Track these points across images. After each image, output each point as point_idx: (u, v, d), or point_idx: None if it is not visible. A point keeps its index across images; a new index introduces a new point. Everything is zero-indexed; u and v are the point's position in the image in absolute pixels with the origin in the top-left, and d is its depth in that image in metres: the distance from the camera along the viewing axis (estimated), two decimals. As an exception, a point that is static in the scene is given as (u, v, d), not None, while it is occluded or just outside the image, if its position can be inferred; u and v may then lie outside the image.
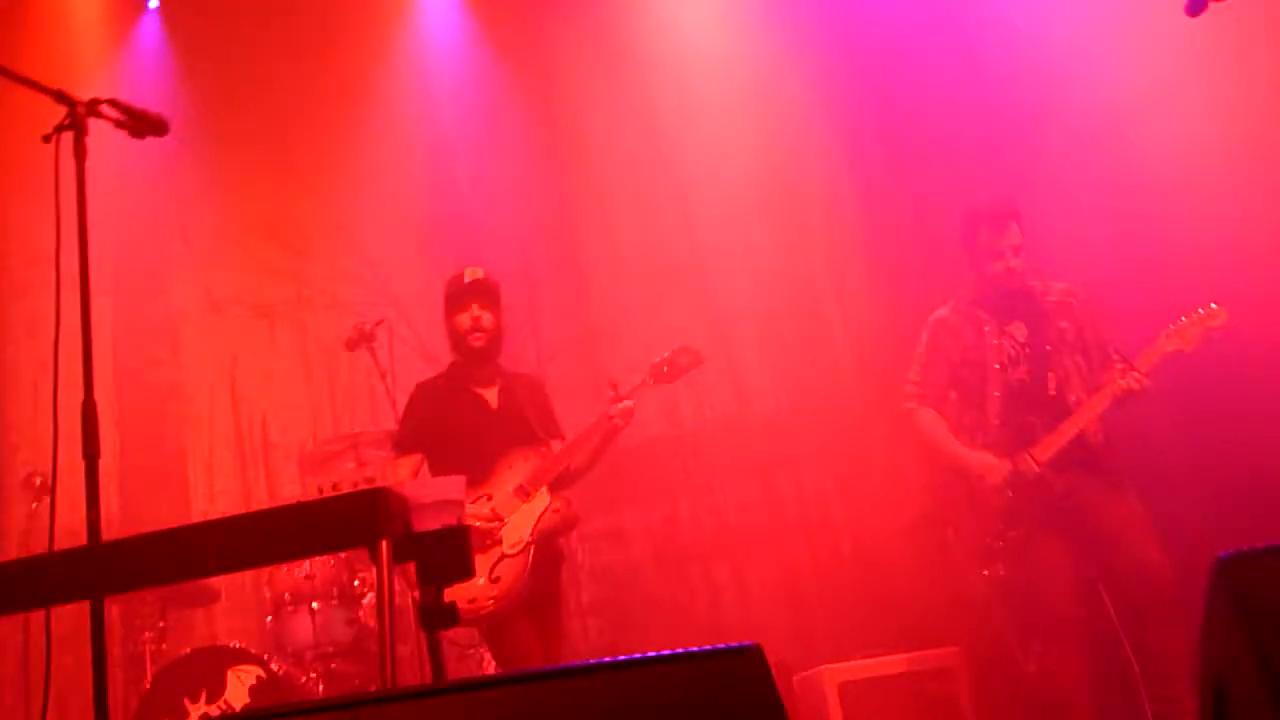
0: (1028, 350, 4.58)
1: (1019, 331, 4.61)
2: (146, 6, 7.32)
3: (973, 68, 5.93)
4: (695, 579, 6.64)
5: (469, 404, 4.71)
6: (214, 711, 5.01)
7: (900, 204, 6.33)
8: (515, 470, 4.53)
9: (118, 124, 3.02)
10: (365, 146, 7.23)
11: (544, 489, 4.50)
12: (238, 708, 5.05)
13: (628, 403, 4.55)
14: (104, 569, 2.41)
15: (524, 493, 4.48)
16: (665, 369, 4.69)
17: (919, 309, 6.02)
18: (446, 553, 2.54)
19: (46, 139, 2.84)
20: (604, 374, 6.86)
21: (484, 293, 4.70)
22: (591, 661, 1.87)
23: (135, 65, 7.22)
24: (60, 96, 2.85)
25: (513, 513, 4.46)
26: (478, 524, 4.31)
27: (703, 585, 6.63)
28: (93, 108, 2.91)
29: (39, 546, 5.63)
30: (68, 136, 2.88)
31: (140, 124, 3.05)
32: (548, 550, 4.52)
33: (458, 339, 4.71)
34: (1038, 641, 4.40)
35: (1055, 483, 4.36)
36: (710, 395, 6.78)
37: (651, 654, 1.87)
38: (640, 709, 1.79)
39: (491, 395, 4.74)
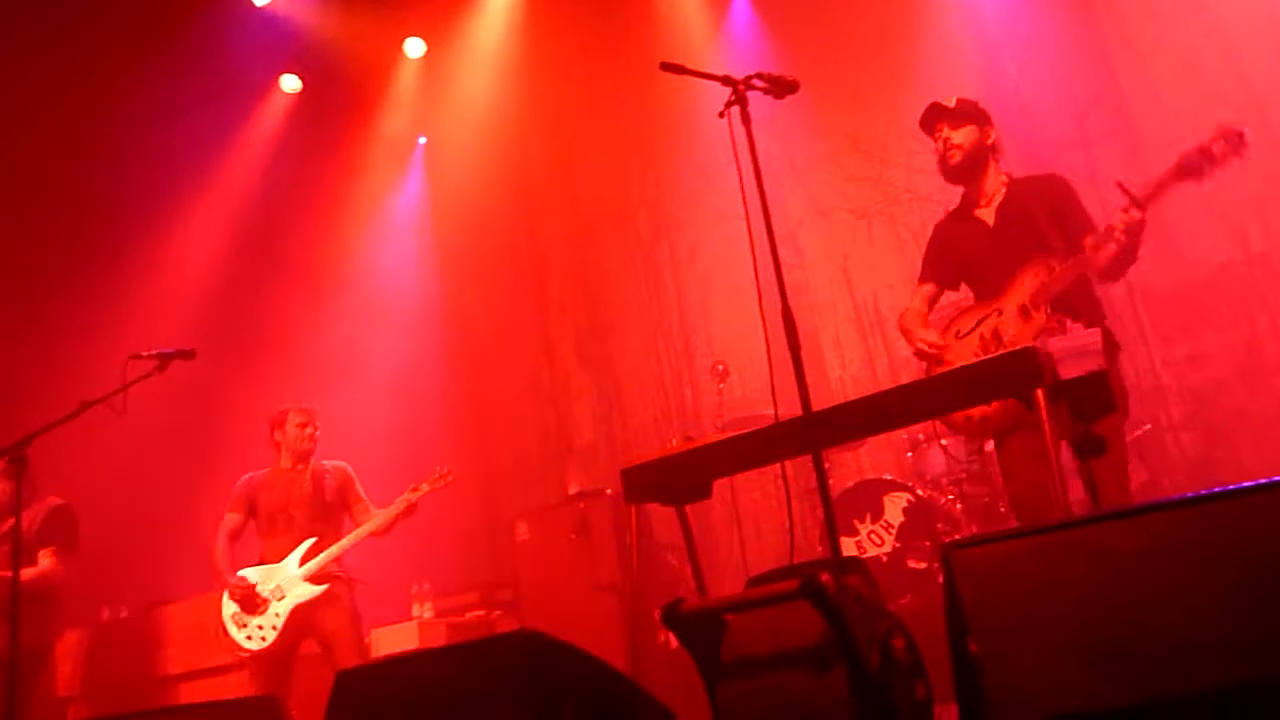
0: None
1: None
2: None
3: None
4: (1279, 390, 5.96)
5: (969, 229, 3.86)
6: (878, 530, 5.30)
7: None
8: (1023, 287, 3.56)
9: (765, 91, 3.18)
10: (924, 59, 7.06)
11: (1044, 308, 3.46)
12: (895, 525, 5.28)
13: (1135, 213, 3.27)
14: (822, 429, 2.64)
15: (1024, 313, 3.52)
16: (1196, 159, 3.21)
17: None
18: (1090, 394, 2.50)
19: (720, 115, 3.03)
20: (1161, 220, 6.36)
21: (948, 114, 3.81)
22: (1252, 484, 1.73)
23: (734, 37, 7.59)
24: (726, 79, 3.04)
25: (1012, 332, 3.55)
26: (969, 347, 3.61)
27: (1290, 394, 5.93)
28: (748, 82, 3.08)
29: (726, 418, 6.27)
30: (733, 109, 3.07)
31: (781, 87, 3.20)
32: None
33: (941, 164, 3.87)
34: None
35: None
36: (1277, 217, 6.00)
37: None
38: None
39: (988, 214, 3.81)
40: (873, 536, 5.30)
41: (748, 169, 3.01)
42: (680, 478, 3.06)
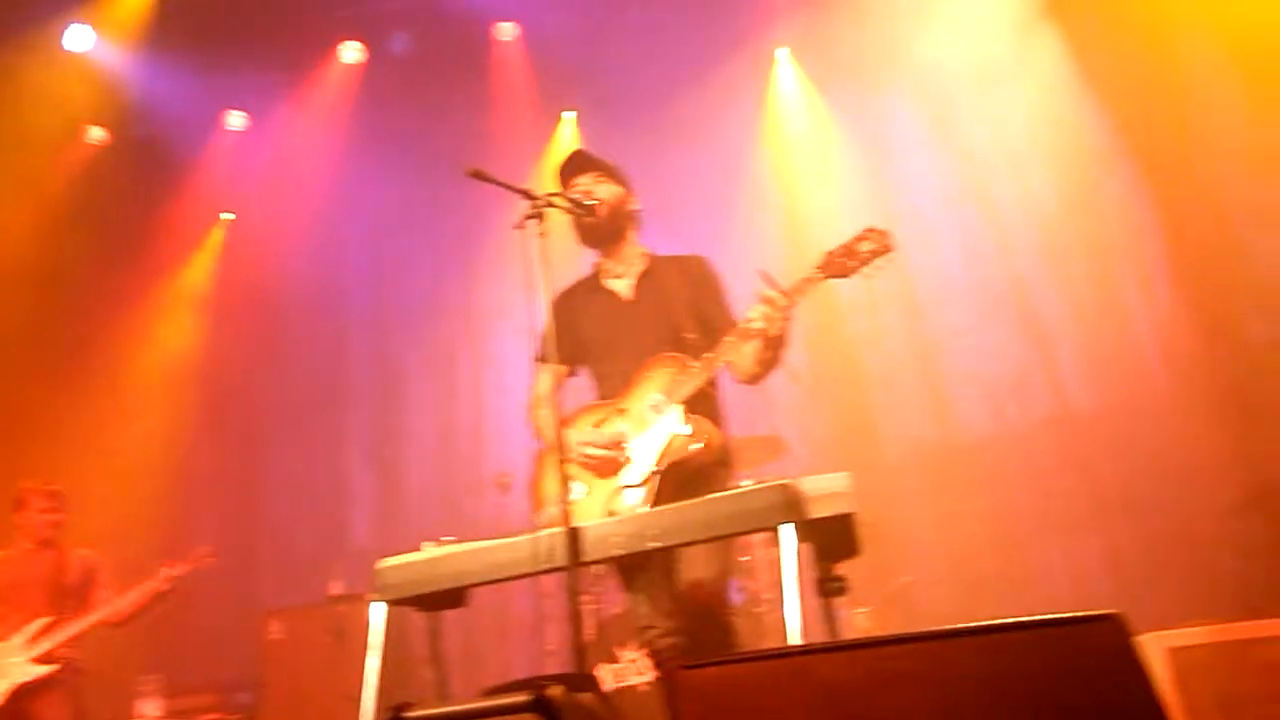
0: None
1: None
2: (560, 117, 7.91)
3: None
4: (1031, 557, 6.35)
5: (599, 301, 3.48)
6: (642, 659, 5.27)
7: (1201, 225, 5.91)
8: (655, 380, 3.19)
9: (566, 210, 3.28)
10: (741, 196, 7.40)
11: (678, 408, 3.11)
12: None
13: (780, 302, 3.01)
14: (579, 547, 2.65)
15: (658, 410, 3.16)
16: (843, 258, 2.98)
17: (1220, 319, 5.64)
18: (836, 535, 2.62)
19: (516, 226, 3.06)
20: (934, 379, 6.83)
21: (593, 164, 3.56)
22: (964, 626, 1.83)
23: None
24: (526, 193, 3.10)
25: (642, 434, 3.17)
26: (592, 452, 3.17)
27: (1038, 562, 6.34)
28: (549, 200, 3.15)
29: (505, 530, 6.17)
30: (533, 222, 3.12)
31: (580, 210, 3.34)
32: (682, 481, 3.08)
33: (577, 219, 3.42)
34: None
35: None
36: (1033, 399, 6.58)
37: (1017, 619, 1.81)
38: (1008, 671, 1.75)
39: (624, 286, 3.47)
40: (635, 665, 5.28)
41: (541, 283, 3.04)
42: (433, 583, 2.99)
